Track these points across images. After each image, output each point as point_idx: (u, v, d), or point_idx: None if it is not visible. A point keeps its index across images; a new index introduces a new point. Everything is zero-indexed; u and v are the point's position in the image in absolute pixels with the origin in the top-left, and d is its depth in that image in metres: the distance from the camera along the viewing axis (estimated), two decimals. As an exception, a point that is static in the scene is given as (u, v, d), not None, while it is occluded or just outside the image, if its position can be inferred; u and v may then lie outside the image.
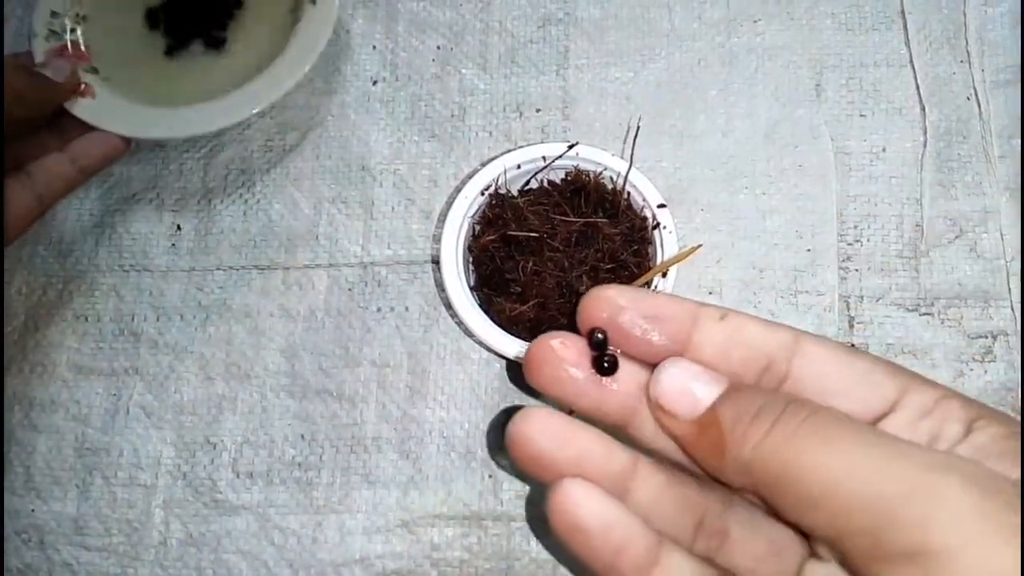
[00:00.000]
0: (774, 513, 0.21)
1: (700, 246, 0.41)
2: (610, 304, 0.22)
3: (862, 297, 0.45)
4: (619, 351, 0.23)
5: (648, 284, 0.40)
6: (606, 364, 0.22)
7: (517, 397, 0.44)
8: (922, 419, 0.19)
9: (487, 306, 0.41)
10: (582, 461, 0.22)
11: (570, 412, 0.23)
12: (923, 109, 0.49)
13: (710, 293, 0.45)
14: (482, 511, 0.42)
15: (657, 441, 0.23)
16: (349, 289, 0.46)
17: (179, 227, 0.48)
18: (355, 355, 0.45)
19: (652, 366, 0.22)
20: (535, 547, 0.41)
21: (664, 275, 0.40)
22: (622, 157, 0.42)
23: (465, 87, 0.51)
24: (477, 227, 0.43)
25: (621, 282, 0.39)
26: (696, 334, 0.22)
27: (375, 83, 0.51)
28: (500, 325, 0.39)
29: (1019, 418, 0.42)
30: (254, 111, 0.46)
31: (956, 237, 0.46)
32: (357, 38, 0.52)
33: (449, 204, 0.42)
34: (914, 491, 0.17)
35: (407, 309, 0.46)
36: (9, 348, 0.46)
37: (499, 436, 0.43)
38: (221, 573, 0.42)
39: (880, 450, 0.18)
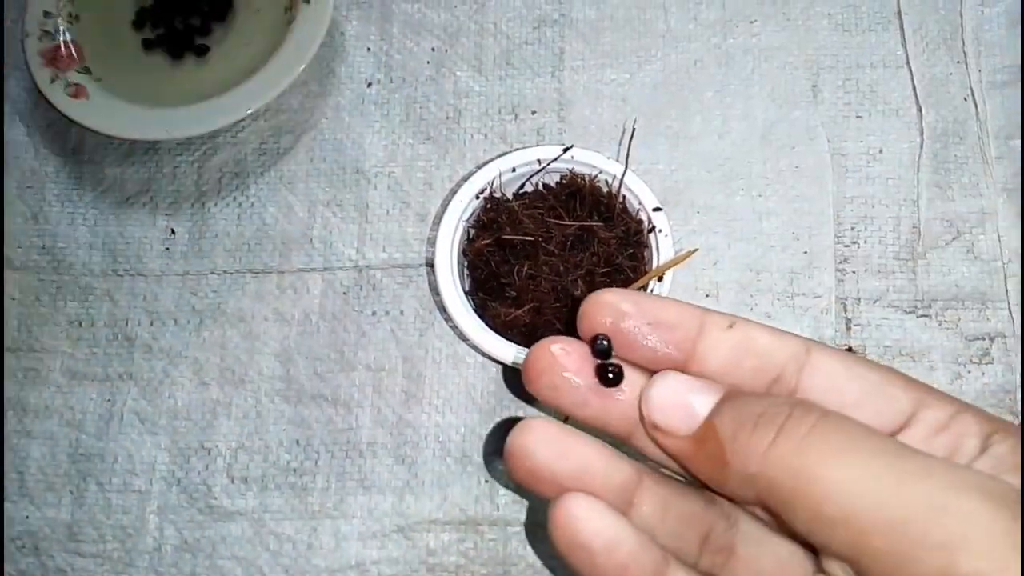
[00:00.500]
0: (782, 528, 0.19)
1: (696, 250, 0.41)
2: (613, 309, 0.21)
3: (859, 299, 0.45)
4: (621, 358, 0.21)
5: (644, 288, 0.39)
6: (611, 375, 0.21)
7: (513, 402, 0.44)
8: (939, 434, 0.19)
9: (482, 310, 0.41)
10: (584, 474, 0.20)
11: (565, 419, 0.22)
12: (920, 110, 0.48)
13: (706, 296, 0.45)
14: (478, 516, 0.42)
15: (660, 453, 0.22)
16: (344, 293, 0.46)
17: (173, 231, 0.48)
18: (350, 359, 0.45)
19: (654, 374, 0.21)
20: (531, 552, 0.41)
21: (660, 279, 0.39)
22: (618, 159, 0.42)
23: (460, 89, 0.50)
24: (472, 231, 0.42)
25: (617, 286, 0.39)
26: (702, 342, 0.21)
27: (369, 85, 0.51)
28: (495, 329, 0.39)
29: (1019, 419, 0.42)
30: (249, 110, 0.46)
31: (953, 239, 0.46)
32: (351, 40, 0.52)
33: (444, 207, 0.42)
34: (943, 511, 0.16)
35: (402, 313, 0.46)
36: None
37: (496, 441, 0.43)
38: (216, 579, 0.41)
39: (901, 464, 0.17)
